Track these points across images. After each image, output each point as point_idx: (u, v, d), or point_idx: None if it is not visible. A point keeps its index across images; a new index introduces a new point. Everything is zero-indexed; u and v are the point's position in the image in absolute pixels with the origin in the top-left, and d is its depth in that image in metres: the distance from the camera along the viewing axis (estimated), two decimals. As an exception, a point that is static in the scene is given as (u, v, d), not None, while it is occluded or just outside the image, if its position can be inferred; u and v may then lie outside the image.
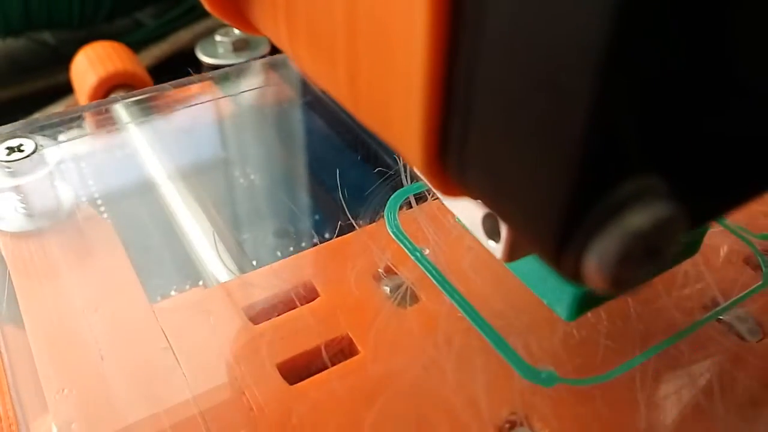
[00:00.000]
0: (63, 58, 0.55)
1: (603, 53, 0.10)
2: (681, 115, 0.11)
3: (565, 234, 0.12)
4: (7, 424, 0.24)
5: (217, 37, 0.56)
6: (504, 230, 0.18)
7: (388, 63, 0.14)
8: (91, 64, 0.53)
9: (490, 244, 0.19)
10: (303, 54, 0.17)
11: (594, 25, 0.10)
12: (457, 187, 0.14)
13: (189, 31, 0.64)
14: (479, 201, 0.18)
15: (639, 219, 0.11)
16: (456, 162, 0.13)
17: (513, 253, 0.19)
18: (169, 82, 0.39)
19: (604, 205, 0.11)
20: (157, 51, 0.62)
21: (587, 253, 0.12)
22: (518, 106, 0.11)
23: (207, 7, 0.20)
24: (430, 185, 0.15)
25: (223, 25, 0.61)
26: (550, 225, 0.12)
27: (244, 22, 0.20)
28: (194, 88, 0.46)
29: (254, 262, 0.35)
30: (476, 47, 0.12)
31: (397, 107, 0.14)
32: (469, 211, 0.20)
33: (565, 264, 0.12)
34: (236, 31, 0.57)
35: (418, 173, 0.15)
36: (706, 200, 0.13)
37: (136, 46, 0.59)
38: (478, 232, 0.20)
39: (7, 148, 0.30)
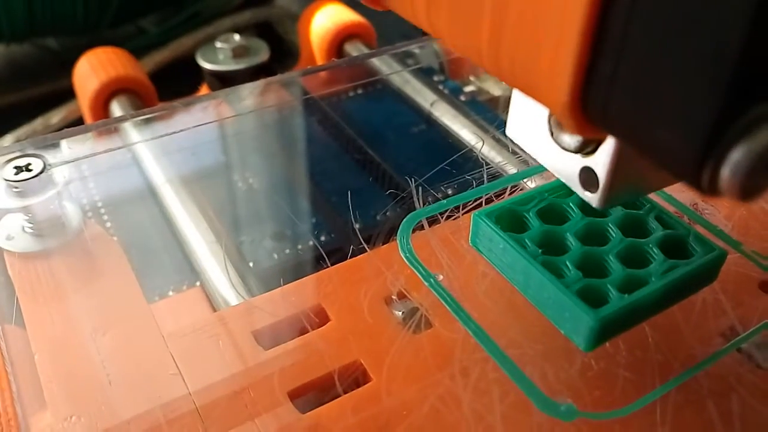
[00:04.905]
0: (66, 64, 0.54)
1: None
2: None
3: (707, 149, 0.13)
4: (6, 419, 0.23)
5: (218, 44, 0.56)
6: (602, 180, 0.20)
7: (540, 8, 0.15)
8: (93, 69, 0.52)
9: (587, 195, 0.21)
10: (441, 18, 0.18)
11: None
12: (593, 125, 0.15)
13: (190, 37, 0.63)
14: (577, 156, 0.20)
15: (766, 136, 0.13)
16: (601, 98, 0.14)
17: (608, 201, 0.20)
18: (179, 100, 0.37)
19: (739, 125, 0.13)
20: (159, 57, 0.61)
21: (723, 166, 0.13)
22: (676, 39, 0.13)
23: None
24: (566, 125, 0.16)
25: (224, 32, 0.60)
26: (697, 143, 0.13)
27: None
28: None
29: (251, 264, 0.34)
30: None
31: (546, 53, 0.15)
32: (566, 167, 0.21)
33: (703, 177, 0.13)
34: (236, 38, 0.56)
35: (559, 116, 0.16)
36: None
37: (139, 52, 0.58)
38: (575, 185, 0.21)
39: (15, 167, 0.29)
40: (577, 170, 0.21)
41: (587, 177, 0.20)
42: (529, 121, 0.22)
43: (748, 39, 0.12)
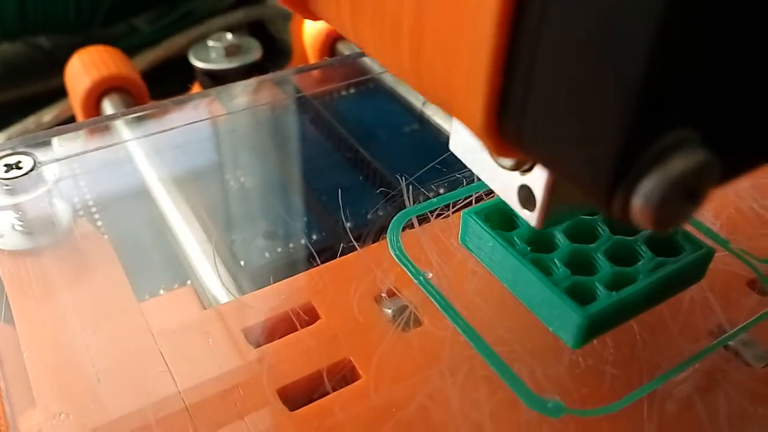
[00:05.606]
0: (58, 63, 0.53)
1: (662, 15, 0.11)
2: (717, 76, 0.13)
3: (616, 179, 0.13)
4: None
5: (210, 43, 0.55)
6: (539, 200, 0.19)
7: (454, 31, 0.14)
8: (85, 68, 0.52)
9: (525, 213, 0.20)
10: (366, 34, 0.18)
11: None
12: (511, 147, 0.15)
13: (183, 36, 0.63)
14: (515, 173, 0.20)
15: (679, 164, 0.12)
16: (515, 121, 0.14)
17: (546, 221, 0.20)
18: (171, 99, 0.37)
19: (650, 153, 0.12)
20: (151, 56, 0.61)
21: (635, 195, 0.13)
22: (581, 66, 0.12)
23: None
24: (485, 146, 0.16)
25: (216, 31, 0.60)
26: (605, 171, 0.13)
27: (303, 7, 0.20)
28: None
29: (242, 262, 0.35)
30: (543, 8, 0.13)
31: (460, 73, 0.15)
32: (505, 184, 0.20)
33: (614, 206, 0.13)
34: (229, 36, 0.56)
35: (477, 136, 0.16)
36: (735, 155, 0.14)
37: (131, 51, 0.58)
38: (513, 202, 0.20)
39: (5, 165, 0.29)
40: (515, 188, 0.20)
41: (525, 195, 0.20)
42: (469, 137, 0.21)
43: (650, 70, 0.11)
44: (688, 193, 0.13)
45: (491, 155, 0.20)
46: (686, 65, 0.12)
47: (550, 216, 0.19)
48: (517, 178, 0.20)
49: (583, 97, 0.13)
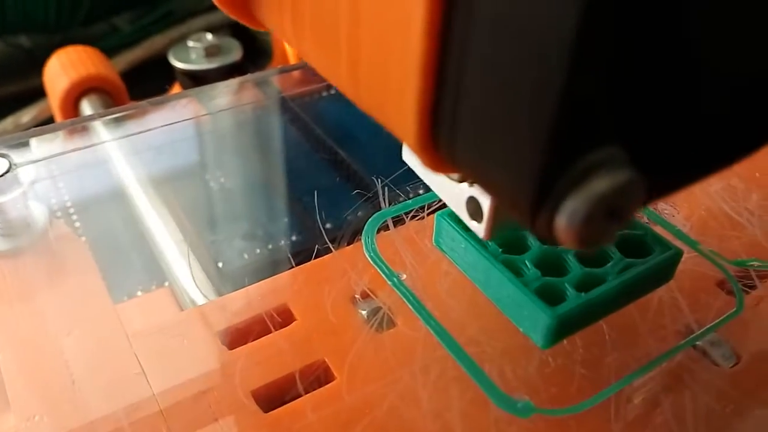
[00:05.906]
0: (38, 62, 0.54)
1: (574, 38, 0.11)
2: (642, 94, 0.13)
3: (539, 198, 0.13)
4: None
5: (190, 43, 0.56)
6: (486, 211, 0.20)
7: (387, 48, 0.15)
8: (63, 68, 0.52)
9: (473, 225, 0.20)
10: (307, 46, 0.18)
11: (566, 15, 0.11)
12: (445, 163, 0.15)
13: (163, 36, 0.63)
14: (464, 184, 0.20)
15: (602, 184, 0.13)
16: (446, 138, 0.15)
17: (493, 232, 0.20)
18: (149, 99, 0.38)
19: (572, 173, 0.13)
20: (131, 56, 0.61)
21: (558, 214, 0.13)
22: (502, 86, 0.13)
23: (215, 1, 0.21)
24: (421, 161, 0.16)
25: (196, 32, 0.60)
26: (527, 190, 0.13)
27: (250, 17, 0.21)
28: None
29: (220, 264, 0.35)
30: (467, 32, 0.13)
31: (394, 89, 0.15)
32: (454, 196, 0.21)
33: (539, 224, 0.13)
34: (209, 37, 0.56)
35: (412, 151, 0.16)
36: (664, 174, 0.14)
37: (111, 51, 0.58)
38: (463, 213, 0.21)
39: (-20, 167, 0.29)
40: (464, 199, 0.20)
41: (473, 207, 0.20)
42: None
43: (565, 94, 0.12)
44: (611, 212, 0.13)
45: None
46: (607, 84, 0.12)
47: (496, 227, 0.20)
48: (465, 190, 0.20)
49: (506, 115, 0.13)
